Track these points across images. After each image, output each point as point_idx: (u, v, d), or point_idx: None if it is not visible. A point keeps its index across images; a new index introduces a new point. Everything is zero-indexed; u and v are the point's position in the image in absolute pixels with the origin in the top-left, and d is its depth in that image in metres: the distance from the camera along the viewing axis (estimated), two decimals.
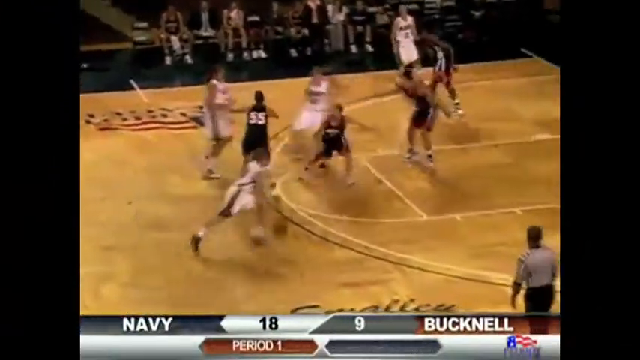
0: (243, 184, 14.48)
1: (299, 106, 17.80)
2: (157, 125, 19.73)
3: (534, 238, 11.23)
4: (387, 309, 12.81)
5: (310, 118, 17.43)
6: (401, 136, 17.57)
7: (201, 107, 18.51)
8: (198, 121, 19.16)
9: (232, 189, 14.52)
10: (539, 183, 16.38)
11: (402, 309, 12.80)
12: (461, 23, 25.57)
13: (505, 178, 16.66)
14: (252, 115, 16.51)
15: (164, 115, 20.10)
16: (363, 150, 17.60)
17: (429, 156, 17.09)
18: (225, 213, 14.45)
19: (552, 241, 11.13)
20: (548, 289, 11.19)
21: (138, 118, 19.99)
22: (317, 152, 16.82)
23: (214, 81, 17.11)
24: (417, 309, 12.75)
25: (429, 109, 16.99)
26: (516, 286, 11.29)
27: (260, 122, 16.50)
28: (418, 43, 20.96)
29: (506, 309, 11.74)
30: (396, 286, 13.48)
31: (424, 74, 20.18)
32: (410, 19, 21.67)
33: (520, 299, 11.34)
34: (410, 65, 20.79)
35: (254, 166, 14.59)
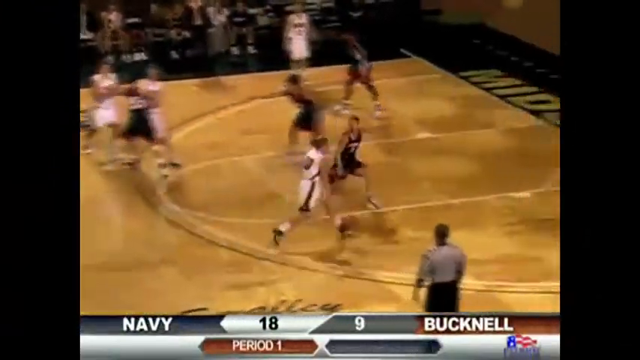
0: (313, 176, 14.20)
1: (186, 106, 17.69)
2: None
3: (441, 235, 11.36)
4: (274, 310, 12.85)
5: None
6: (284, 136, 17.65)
7: (82, 111, 18.35)
8: None
9: (304, 183, 14.22)
10: (420, 181, 16.66)
11: (289, 309, 12.86)
12: (340, 24, 25.72)
13: (388, 176, 16.85)
14: (132, 100, 16.84)
15: None
16: (246, 151, 17.64)
17: None
18: (304, 208, 14.25)
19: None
20: (452, 285, 11.32)
21: None
22: (333, 181, 15.25)
23: (96, 76, 17.45)
24: (303, 309, 12.83)
25: (313, 112, 17.00)
26: (419, 283, 11.39)
27: (140, 106, 16.76)
28: (343, 43, 20.82)
29: (393, 308, 11.91)
30: (282, 287, 13.52)
31: (314, 73, 20.36)
32: (304, 17, 21.74)
33: (422, 295, 11.38)
34: (298, 62, 20.99)
35: (316, 155, 14.27)
